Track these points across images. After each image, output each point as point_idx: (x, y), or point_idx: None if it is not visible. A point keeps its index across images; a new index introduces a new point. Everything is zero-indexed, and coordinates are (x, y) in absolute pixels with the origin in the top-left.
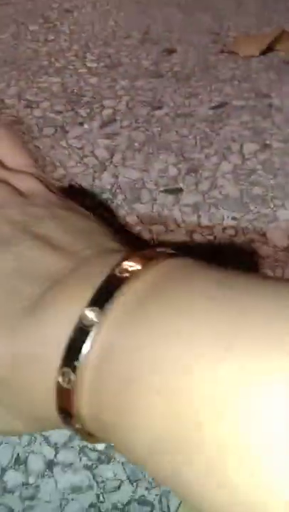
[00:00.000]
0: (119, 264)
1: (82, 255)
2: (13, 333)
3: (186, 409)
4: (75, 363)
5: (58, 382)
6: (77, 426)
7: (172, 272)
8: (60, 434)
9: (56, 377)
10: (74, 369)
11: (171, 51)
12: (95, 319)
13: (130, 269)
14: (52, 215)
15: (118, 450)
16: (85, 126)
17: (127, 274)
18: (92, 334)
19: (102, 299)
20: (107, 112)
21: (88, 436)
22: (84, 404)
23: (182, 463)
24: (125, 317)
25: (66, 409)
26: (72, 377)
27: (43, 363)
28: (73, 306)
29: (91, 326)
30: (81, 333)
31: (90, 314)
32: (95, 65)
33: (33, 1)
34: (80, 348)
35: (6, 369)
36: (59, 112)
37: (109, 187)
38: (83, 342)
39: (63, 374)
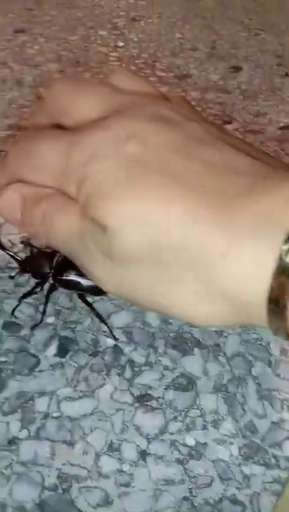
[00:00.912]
0: None
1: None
2: (229, 212)
3: None
4: None
5: (280, 259)
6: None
7: None
8: (152, 426)
9: (276, 254)
10: None
11: (237, 69)
12: None
13: None
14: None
15: None
16: None
17: None
18: None
19: None
20: None
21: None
22: None
23: None
24: None
25: (278, 298)
26: None
27: (259, 240)
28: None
29: None
30: None
31: None
32: (164, 74)
33: (101, 6)
34: None
35: (221, 245)
36: None
37: None
38: None
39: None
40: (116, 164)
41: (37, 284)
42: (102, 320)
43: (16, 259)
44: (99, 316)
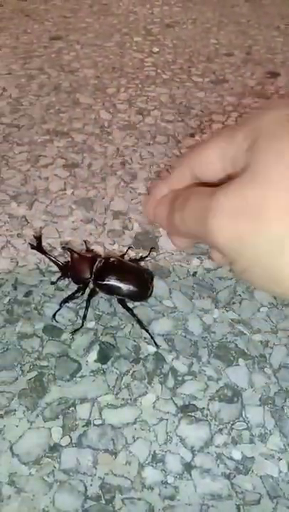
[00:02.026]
0: None
1: None
2: None
3: None
4: None
5: None
6: None
7: None
8: (197, 438)
9: None
10: None
11: (275, 74)
12: None
13: None
14: None
15: None
16: (196, 137)
17: None
18: None
19: None
20: (216, 126)
21: None
22: None
23: None
24: None
25: None
26: None
27: None
28: None
29: None
30: None
31: None
32: (200, 79)
33: (135, 13)
34: None
35: None
36: (169, 122)
37: None
38: None
39: None
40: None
41: (78, 289)
42: (143, 326)
43: (57, 264)
44: (139, 322)
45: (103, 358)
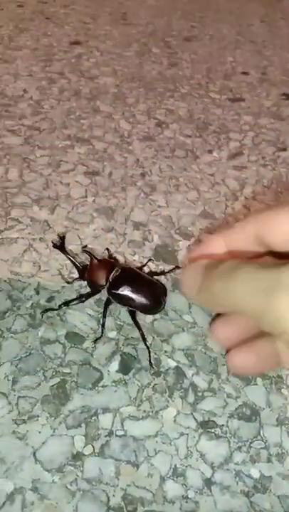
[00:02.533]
0: None
1: None
2: None
3: None
4: None
5: None
6: None
7: None
8: (216, 455)
9: None
10: None
11: None
12: None
13: None
14: None
15: None
16: (214, 154)
17: None
18: None
19: None
20: (234, 144)
21: None
22: None
23: None
24: None
25: None
26: None
27: None
28: None
29: None
30: None
31: None
32: (218, 96)
33: (153, 24)
34: None
35: None
36: (188, 136)
37: (242, 217)
38: None
39: None
40: None
41: (81, 295)
42: (145, 342)
43: (76, 266)
44: (143, 337)
45: (125, 368)
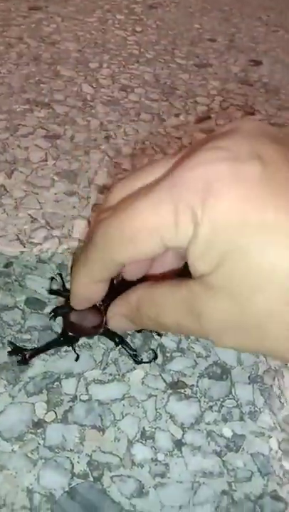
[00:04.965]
0: None
1: None
2: None
3: None
4: None
5: None
6: None
7: None
8: (187, 415)
9: None
10: None
11: (257, 62)
12: None
13: None
14: None
15: None
16: (181, 117)
17: None
18: None
19: None
20: (201, 108)
21: None
22: None
23: None
24: None
25: None
26: None
27: None
28: None
29: None
30: None
31: None
32: (184, 62)
33: None
34: None
35: None
36: (154, 100)
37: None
38: None
39: None
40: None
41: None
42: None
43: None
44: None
45: None
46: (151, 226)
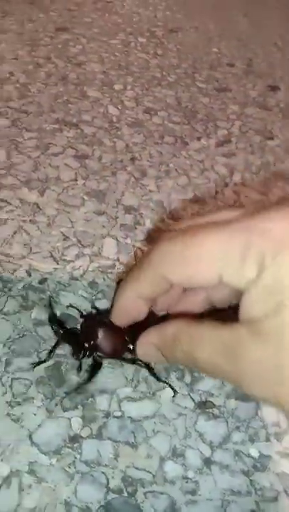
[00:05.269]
0: None
1: None
2: None
3: None
4: None
5: None
6: None
7: None
8: (215, 434)
9: None
10: None
11: (275, 88)
12: None
13: None
14: None
15: None
16: (203, 141)
17: None
18: None
19: None
20: (221, 132)
21: None
22: None
23: None
24: None
25: None
26: None
27: None
28: None
29: None
30: None
31: None
32: (204, 85)
33: (138, 14)
34: None
35: None
36: (176, 123)
37: (232, 202)
38: None
39: None
40: None
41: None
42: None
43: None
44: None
45: None
46: (216, 256)
